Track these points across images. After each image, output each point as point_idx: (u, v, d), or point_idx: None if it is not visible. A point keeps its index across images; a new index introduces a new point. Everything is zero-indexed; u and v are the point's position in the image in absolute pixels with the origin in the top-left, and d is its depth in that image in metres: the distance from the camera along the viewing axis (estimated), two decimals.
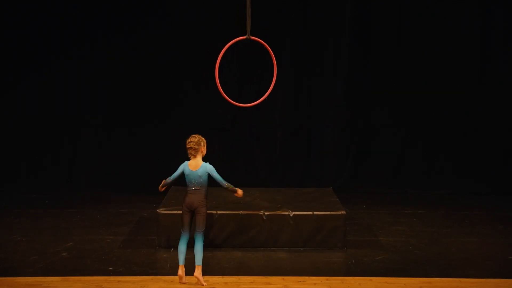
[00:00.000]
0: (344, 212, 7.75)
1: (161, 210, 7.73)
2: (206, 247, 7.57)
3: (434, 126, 11.27)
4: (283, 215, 7.69)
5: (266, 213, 7.70)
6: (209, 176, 6.66)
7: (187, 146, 6.66)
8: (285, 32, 11.11)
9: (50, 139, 11.19)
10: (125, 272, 6.92)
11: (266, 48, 7.27)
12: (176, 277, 6.69)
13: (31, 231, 8.52)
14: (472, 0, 10.99)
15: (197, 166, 6.64)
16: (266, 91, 7.73)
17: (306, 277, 6.78)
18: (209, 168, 6.67)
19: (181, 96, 11.20)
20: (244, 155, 11.30)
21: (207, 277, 6.73)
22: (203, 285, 6.54)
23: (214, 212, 7.69)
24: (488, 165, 11.22)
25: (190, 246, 6.65)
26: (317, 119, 11.31)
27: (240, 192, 6.71)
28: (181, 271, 6.60)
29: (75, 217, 9.28)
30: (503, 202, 10.47)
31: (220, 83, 7.15)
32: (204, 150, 6.71)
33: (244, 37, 7.26)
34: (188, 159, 6.71)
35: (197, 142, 6.65)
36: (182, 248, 6.65)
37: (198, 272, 6.59)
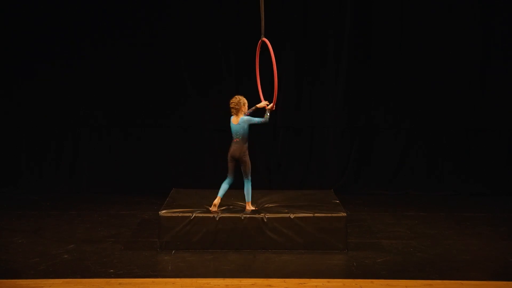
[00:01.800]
0: (345, 214, 7.74)
1: (163, 212, 7.73)
2: (206, 249, 7.63)
3: (435, 127, 11.25)
4: (284, 217, 7.69)
5: (267, 215, 7.70)
6: (250, 127, 7.76)
7: (230, 106, 7.81)
8: (286, 33, 11.10)
9: (52, 141, 11.19)
10: (126, 274, 6.92)
11: (269, 52, 7.64)
12: (177, 279, 6.69)
13: (32, 233, 8.53)
14: (473, 7, 10.97)
15: (237, 121, 7.80)
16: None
17: (307, 280, 6.77)
18: (245, 119, 7.78)
19: (183, 97, 11.20)
20: None
21: (208, 280, 6.74)
22: (252, 209, 7.86)
23: (215, 214, 7.69)
24: (490, 166, 11.20)
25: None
26: (318, 121, 11.30)
27: (270, 105, 7.85)
28: (217, 200, 7.78)
29: (76, 219, 9.28)
30: (505, 203, 10.45)
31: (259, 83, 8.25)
32: (244, 109, 7.81)
33: (260, 40, 8.01)
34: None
35: (237, 102, 7.78)
36: (224, 186, 7.90)
37: (247, 207, 7.90)
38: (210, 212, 7.75)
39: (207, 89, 11.16)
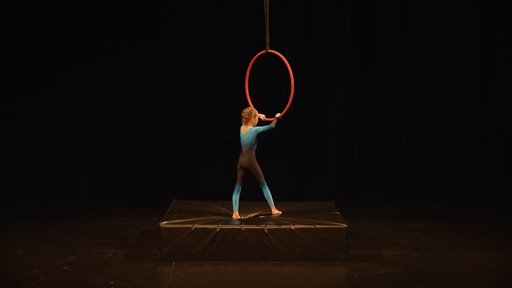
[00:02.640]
0: (346, 226, 7.73)
1: (163, 224, 7.71)
2: (207, 261, 7.61)
3: (436, 138, 11.25)
4: (285, 228, 7.67)
5: (268, 227, 7.69)
6: (258, 137, 7.94)
7: (241, 115, 8.01)
8: (286, 44, 11.10)
9: (52, 152, 11.20)
10: (127, 286, 6.89)
11: (282, 60, 8.00)
12: None
13: (33, 244, 8.52)
14: (474, 11, 10.99)
15: (245, 131, 7.99)
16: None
17: None
18: (253, 130, 7.95)
19: (183, 108, 11.22)
20: None
21: None
22: (279, 213, 8.13)
23: (215, 226, 7.68)
24: (491, 177, 11.19)
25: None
26: (318, 131, 11.30)
27: (280, 114, 8.08)
28: (235, 215, 8.04)
29: (77, 231, 9.27)
30: (506, 215, 10.44)
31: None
32: (254, 120, 7.99)
33: (264, 51, 8.16)
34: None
35: (249, 113, 7.96)
36: (235, 197, 8.09)
37: (273, 211, 8.16)
38: (212, 223, 7.74)
39: (208, 100, 11.16)
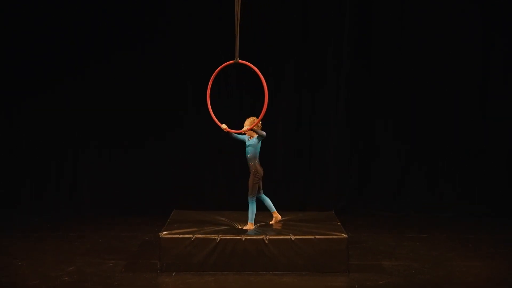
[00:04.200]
0: (346, 236, 7.71)
1: (164, 234, 7.70)
2: (207, 271, 7.58)
3: (436, 147, 11.26)
4: (285, 239, 7.66)
5: (268, 237, 7.67)
6: (257, 147, 8.01)
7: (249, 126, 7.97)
8: (286, 55, 11.15)
9: (52, 162, 11.20)
10: None
11: (254, 71, 7.54)
12: None
13: (33, 254, 8.49)
14: (474, 20, 11.02)
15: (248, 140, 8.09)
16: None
17: None
18: (251, 140, 8.03)
19: (182, 117, 11.22)
20: (245, 177, 11.27)
21: None
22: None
23: (215, 236, 7.66)
24: (492, 187, 11.18)
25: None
26: (318, 141, 11.30)
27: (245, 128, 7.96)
28: (249, 226, 8.03)
29: (77, 241, 9.25)
30: (507, 225, 10.43)
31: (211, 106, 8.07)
32: (253, 134, 7.95)
33: (232, 61, 7.85)
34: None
35: (249, 123, 7.91)
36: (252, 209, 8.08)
37: (274, 217, 8.31)
38: (212, 233, 7.73)
39: (206, 109, 11.10)
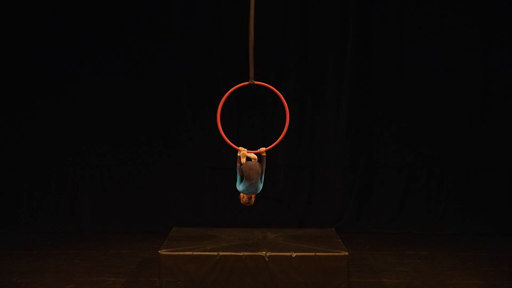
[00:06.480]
0: (347, 253, 7.67)
1: (163, 251, 7.66)
2: None
3: (437, 166, 11.24)
4: (285, 256, 7.62)
5: (268, 253, 7.64)
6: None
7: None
8: (286, 72, 11.17)
9: (51, 179, 11.17)
10: None
11: (273, 91, 7.45)
12: None
13: (32, 272, 8.45)
14: (474, 36, 11.06)
15: None
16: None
17: None
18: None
19: (183, 135, 11.21)
20: None
21: None
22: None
23: (215, 253, 7.62)
24: (493, 205, 11.15)
25: None
26: (318, 159, 11.29)
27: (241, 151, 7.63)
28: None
29: (76, 259, 9.21)
30: (509, 243, 10.37)
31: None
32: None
33: (248, 82, 7.56)
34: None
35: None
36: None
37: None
38: (212, 250, 7.69)
39: (208, 126, 11.12)
